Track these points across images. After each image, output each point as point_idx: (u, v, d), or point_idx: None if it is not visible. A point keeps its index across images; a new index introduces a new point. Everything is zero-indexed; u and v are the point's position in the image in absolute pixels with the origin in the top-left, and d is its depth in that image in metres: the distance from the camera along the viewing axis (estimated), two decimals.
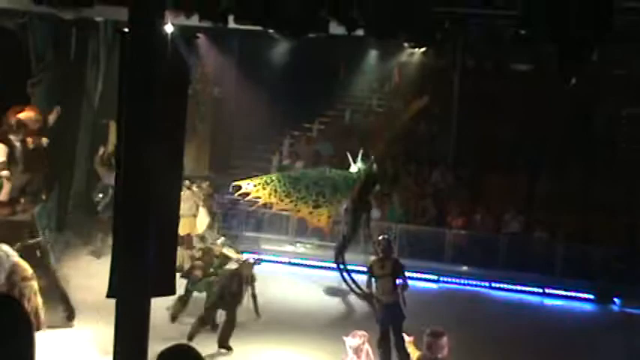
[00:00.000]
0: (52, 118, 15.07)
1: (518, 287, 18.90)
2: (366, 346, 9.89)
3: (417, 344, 8.85)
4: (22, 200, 13.94)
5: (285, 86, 22.00)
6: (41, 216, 15.77)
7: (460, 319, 12.36)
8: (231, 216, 20.94)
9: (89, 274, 16.11)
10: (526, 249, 19.97)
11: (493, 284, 19.01)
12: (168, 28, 9.07)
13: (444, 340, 8.52)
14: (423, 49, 21.74)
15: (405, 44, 21.18)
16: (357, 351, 9.69)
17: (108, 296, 7.03)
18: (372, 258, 13.79)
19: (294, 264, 19.80)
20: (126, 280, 6.80)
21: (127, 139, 6.89)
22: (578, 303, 18.48)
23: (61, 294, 13.93)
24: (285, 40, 20.41)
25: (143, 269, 6.70)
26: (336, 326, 13.66)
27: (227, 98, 23.58)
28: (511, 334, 15.03)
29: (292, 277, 18.61)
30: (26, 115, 14.09)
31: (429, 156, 23.13)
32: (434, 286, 19.02)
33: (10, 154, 13.83)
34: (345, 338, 10.01)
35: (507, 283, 18.96)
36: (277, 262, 19.48)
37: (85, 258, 17.72)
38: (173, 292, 7.36)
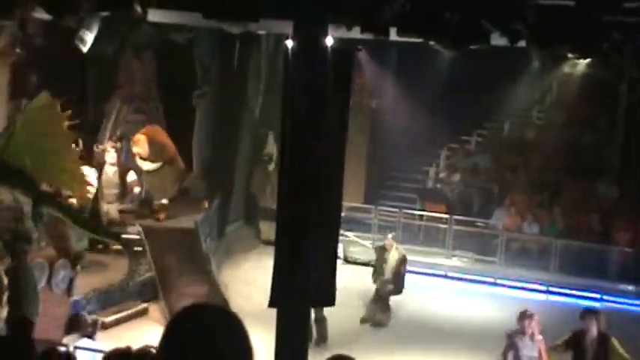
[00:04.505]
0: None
1: None
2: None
3: None
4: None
5: (444, 98, 21.80)
6: (204, 224, 16.29)
7: (625, 341, 11.73)
8: (386, 227, 20.89)
9: (247, 282, 16.50)
10: None
11: None
12: (329, 41, 9.14)
13: None
14: (587, 60, 21.18)
15: (569, 55, 20.76)
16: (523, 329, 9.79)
17: (270, 306, 7.15)
18: None
19: (451, 277, 19.50)
20: (288, 292, 6.90)
21: (291, 149, 7.01)
22: None
23: (222, 300, 14.32)
24: (445, 52, 20.36)
25: (305, 281, 6.77)
26: (493, 342, 13.34)
27: (384, 110, 23.62)
28: None
29: (449, 291, 18.34)
30: (137, 149, 15.78)
31: (594, 168, 22.32)
32: (596, 304, 18.27)
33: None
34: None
35: None
36: (433, 275, 19.26)
37: (244, 266, 18.12)
38: (333, 303, 7.41)
